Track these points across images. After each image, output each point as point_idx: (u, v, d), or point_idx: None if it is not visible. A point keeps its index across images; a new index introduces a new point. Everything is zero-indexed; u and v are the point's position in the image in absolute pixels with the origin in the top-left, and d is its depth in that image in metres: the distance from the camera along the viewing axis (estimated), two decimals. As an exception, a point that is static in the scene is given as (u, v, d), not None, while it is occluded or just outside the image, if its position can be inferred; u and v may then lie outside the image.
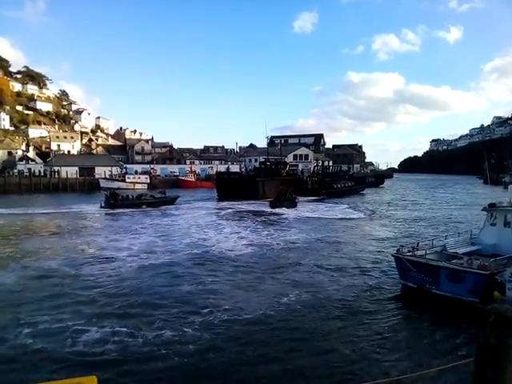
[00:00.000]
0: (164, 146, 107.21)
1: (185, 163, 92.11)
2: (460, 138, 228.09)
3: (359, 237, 22.43)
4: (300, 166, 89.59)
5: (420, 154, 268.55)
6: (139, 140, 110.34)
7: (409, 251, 12.61)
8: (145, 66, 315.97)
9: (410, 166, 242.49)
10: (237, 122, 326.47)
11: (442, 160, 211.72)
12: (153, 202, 39.48)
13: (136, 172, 78.88)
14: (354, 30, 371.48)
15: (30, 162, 73.21)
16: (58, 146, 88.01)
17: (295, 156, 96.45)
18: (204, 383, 7.34)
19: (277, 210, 35.38)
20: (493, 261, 10.89)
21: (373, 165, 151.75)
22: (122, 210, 34.98)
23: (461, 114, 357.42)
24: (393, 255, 12.94)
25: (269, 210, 36.07)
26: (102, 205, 36.68)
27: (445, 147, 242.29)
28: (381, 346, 8.62)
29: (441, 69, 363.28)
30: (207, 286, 12.98)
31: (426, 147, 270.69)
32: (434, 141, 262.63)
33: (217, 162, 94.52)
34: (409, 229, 25.31)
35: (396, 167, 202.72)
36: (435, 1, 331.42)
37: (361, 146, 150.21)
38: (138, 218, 30.78)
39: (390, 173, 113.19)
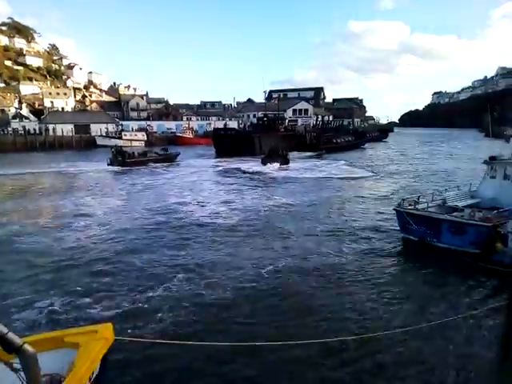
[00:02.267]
0: (159, 101, 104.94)
1: (181, 119, 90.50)
2: (462, 90, 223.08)
3: (356, 195, 21.54)
4: (299, 121, 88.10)
5: (421, 108, 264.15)
6: (134, 96, 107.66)
7: (410, 205, 12.55)
8: (137, 16, 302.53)
9: (411, 119, 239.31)
10: (234, 76, 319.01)
11: (443, 113, 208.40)
12: (158, 158, 39.69)
13: (132, 129, 77.70)
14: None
15: (23, 119, 71.81)
16: (52, 102, 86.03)
17: (294, 111, 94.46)
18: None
19: (268, 168, 34.89)
20: (495, 213, 10.87)
21: (373, 119, 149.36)
22: (130, 168, 35.11)
23: (466, 65, 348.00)
24: (394, 209, 12.92)
25: (261, 167, 35.38)
26: (109, 162, 36.36)
27: (446, 100, 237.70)
28: (386, 299, 8.66)
29: (448, 17, 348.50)
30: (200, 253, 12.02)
31: (428, 100, 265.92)
32: (435, 93, 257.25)
33: (214, 118, 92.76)
34: (409, 184, 25.00)
35: (397, 121, 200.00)
36: None
37: (361, 100, 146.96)
38: (149, 176, 31.24)
39: (390, 127, 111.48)
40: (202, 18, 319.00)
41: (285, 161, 37.40)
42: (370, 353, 6.57)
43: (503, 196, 12.72)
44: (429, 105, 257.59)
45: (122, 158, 36.55)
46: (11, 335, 2.73)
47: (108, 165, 36.08)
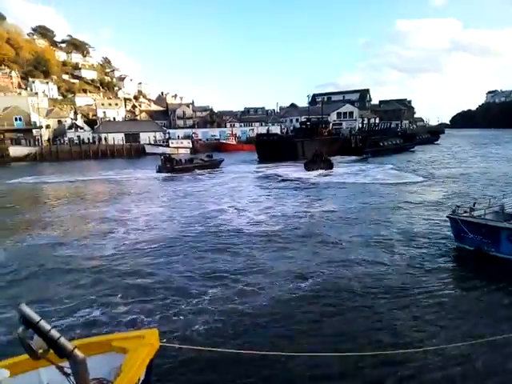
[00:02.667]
0: (204, 109, 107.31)
1: (225, 126, 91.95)
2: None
3: (405, 201, 20.23)
4: (344, 125, 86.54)
5: (474, 108, 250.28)
6: (180, 104, 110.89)
7: (465, 212, 11.71)
8: (183, 29, 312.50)
9: (463, 120, 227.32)
10: (278, 81, 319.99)
11: (499, 113, 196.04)
12: (204, 165, 40.90)
13: (178, 137, 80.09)
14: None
15: (78, 129, 76.15)
16: (104, 113, 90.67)
17: (339, 114, 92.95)
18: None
19: (311, 173, 34.29)
20: None
21: (423, 121, 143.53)
22: (178, 174, 36.40)
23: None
24: (448, 217, 12.08)
25: (303, 173, 34.75)
26: (158, 169, 37.93)
27: (503, 99, 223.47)
28: (440, 312, 8.07)
29: (505, 8, 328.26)
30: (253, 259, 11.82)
31: (481, 100, 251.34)
32: (490, 92, 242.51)
33: (257, 124, 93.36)
34: (462, 189, 23.44)
35: (448, 122, 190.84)
36: None
37: (410, 101, 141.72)
38: (193, 182, 31.94)
39: (440, 129, 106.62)
40: (254, 37, 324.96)
41: (329, 165, 36.79)
42: (422, 367, 6.16)
43: None
44: (482, 104, 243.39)
45: (171, 165, 37.87)
46: (63, 340, 2.78)
47: (157, 172, 37.41)
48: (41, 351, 2.78)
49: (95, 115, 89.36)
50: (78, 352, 2.86)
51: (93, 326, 7.68)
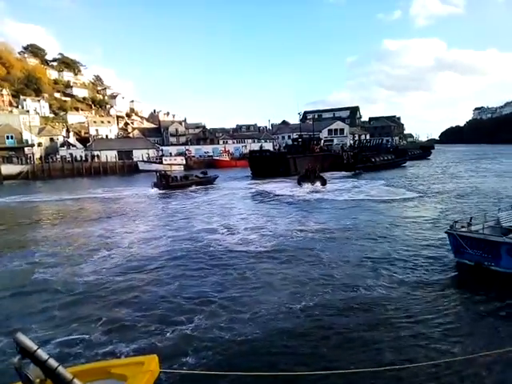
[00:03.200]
0: (197, 126, 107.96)
1: (218, 143, 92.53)
2: (505, 104, 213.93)
3: (400, 217, 19.98)
4: (335, 141, 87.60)
5: (462, 124, 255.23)
6: (173, 122, 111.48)
7: (463, 227, 11.81)
8: (175, 47, 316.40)
9: (452, 136, 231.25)
10: (269, 99, 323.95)
11: (486, 129, 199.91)
12: (199, 181, 41.04)
13: (171, 154, 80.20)
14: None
15: (71, 147, 75.96)
16: (97, 130, 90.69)
17: (330, 131, 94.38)
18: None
19: (304, 189, 34.11)
20: None
21: (412, 137, 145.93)
22: (174, 191, 36.27)
23: (508, 78, 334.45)
24: (446, 232, 12.13)
25: (295, 189, 34.63)
26: (153, 185, 38.00)
27: (489, 115, 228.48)
28: (442, 329, 8.07)
29: (487, 30, 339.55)
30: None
31: (469, 116, 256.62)
32: (477, 109, 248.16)
33: (250, 141, 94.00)
34: (456, 205, 23.57)
35: (437, 138, 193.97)
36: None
37: (399, 118, 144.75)
38: (186, 199, 31.58)
39: (430, 144, 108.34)
40: (244, 55, 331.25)
41: (322, 181, 36.99)
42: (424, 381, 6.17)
43: None
44: (470, 121, 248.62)
45: (166, 182, 37.86)
46: (62, 370, 2.73)
47: (152, 188, 37.40)
48: (38, 381, 2.73)
49: (87, 133, 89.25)
50: (77, 381, 2.80)
51: (68, 357, 7.26)
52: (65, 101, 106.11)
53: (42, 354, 2.74)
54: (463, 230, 11.69)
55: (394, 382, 6.25)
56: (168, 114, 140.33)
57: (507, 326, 8.13)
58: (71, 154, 71.54)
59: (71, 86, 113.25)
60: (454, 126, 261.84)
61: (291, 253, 13.98)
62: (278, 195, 31.47)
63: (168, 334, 8.11)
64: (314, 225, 18.80)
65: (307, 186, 35.33)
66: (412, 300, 9.48)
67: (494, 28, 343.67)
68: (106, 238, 17.42)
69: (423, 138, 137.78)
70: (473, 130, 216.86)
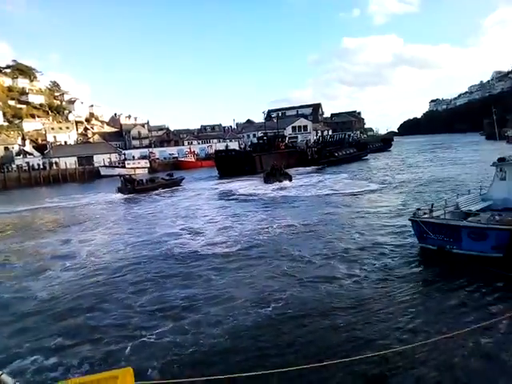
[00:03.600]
0: (160, 128, 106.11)
1: (183, 144, 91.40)
2: (459, 96, 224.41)
3: (363, 209, 20.29)
4: (299, 138, 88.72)
5: (419, 116, 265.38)
6: (135, 125, 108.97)
7: (425, 213, 12.29)
8: (133, 49, 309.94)
9: (410, 128, 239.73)
10: (233, 98, 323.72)
11: (442, 120, 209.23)
12: (165, 184, 40.20)
13: (134, 157, 78.54)
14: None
15: (27, 155, 72.64)
16: (54, 137, 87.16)
17: (294, 128, 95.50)
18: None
19: (270, 187, 34.08)
20: None
21: (372, 130, 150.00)
22: (140, 195, 35.29)
23: (460, 72, 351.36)
24: (410, 219, 12.58)
25: (261, 187, 34.46)
26: (118, 190, 36.80)
27: (444, 107, 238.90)
28: (404, 313, 8.38)
29: (439, 27, 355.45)
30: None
31: (426, 108, 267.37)
32: (433, 101, 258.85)
33: (215, 141, 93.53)
34: (417, 193, 24.38)
35: (396, 131, 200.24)
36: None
37: (360, 113, 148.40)
38: (151, 203, 30.84)
39: (390, 137, 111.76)
40: (206, 54, 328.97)
41: (287, 178, 37.39)
42: (394, 368, 6.35)
43: None
44: (427, 112, 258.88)
45: (132, 186, 36.99)
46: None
47: (117, 193, 36.38)
48: None
49: (45, 140, 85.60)
50: None
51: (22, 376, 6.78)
52: (20, 108, 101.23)
53: (7, 378, 2.58)
54: (425, 216, 12.16)
55: (364, 370, 6.37)
56: (130, 117, 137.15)
57: (469, 305, 8.48)
58: (28, 163, 68.50)
59: (27, 93, 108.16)
60: (411, 118, 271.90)
61: (258, 252, 13.77)
62: (243, 194, 31.26)
63: (133, 344, 7.78)
64: (280, 222, 18.61)
65: (274, 184, 35.47)
66: (380, 288, 9.73)
67: (445, 24, 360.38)
68: (61, 250, 16.44)
69: (383, 131, 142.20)
70: (429, 121, 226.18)
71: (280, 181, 36.29)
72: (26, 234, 21.26)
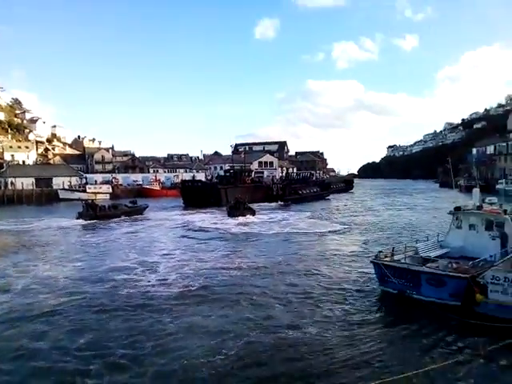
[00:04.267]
0: (125, 154, 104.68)
1: (148, 172, 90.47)
2: (414, 143, 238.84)
3: (326, 250, 20.44)
4: (265, 173, 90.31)
5: (378, 160, 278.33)
6: (99, 149, 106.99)
7: (386, 256, 12.67)
8: (102, 73, 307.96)
9: (370, 171, 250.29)
10: (201, 129, 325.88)
11: (399, 165, 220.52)
12: (128, 211, 39.14)
13: (96, 182, 76.57)
14: (315, 36, 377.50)
15: (-20, 173, 68.97)
16: (12, 156, 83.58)
17: (260, 163, 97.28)
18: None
19: (233, 221, 33.93)
20: (471, 264, 11.20)
21: (334, 171, 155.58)
22: (100, 222, 33.90)
23: (416, 120, 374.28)
24: (371, 261, 12.91)
25: (224, 221, 34.21)
26: (78, 216, 35.14)
27: (401, 153, 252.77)
28: (361, 353, 8.63)
29: (397, 76, 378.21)
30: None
31: (384, 153, 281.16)
32: (390, 147, 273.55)
33: (182, 170, 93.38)
34: (377, 235, 25.20)
35: (356, 173, 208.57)
36: (392, 9, 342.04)
37: (322, 153, 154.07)
38: (107, 230, 29.61)
39: (351, 178, 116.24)
40: (175, 86, 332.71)
41: (251, 212, 37.74)
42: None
43: (470, 245, 13.35)
44: (385, 157, 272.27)
45: (94, 212, 35.74)
46: None
47: (77, 218, 34.85)
48: None
49: (2, 158, 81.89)
50: None
51: None
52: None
53: None
54: (387, 259, 12.55)
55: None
56: (94, 140, 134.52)
57: (426, 349, 8.90)
58: (-19, 181, 65.01)
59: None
60: (370, 161, 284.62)
61: (215, 293, 13.12)
62: (205, 228, 30.50)
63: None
64: (240, 261, 18.09)
65: (237, 218, 35.44)
66: (339, 331, 9.85)
67: (403, 74, 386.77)
68: None
69: (344, 173, 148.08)
70: (388, 166, 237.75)
71: (243, 215, 36.40)
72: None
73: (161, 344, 9.21)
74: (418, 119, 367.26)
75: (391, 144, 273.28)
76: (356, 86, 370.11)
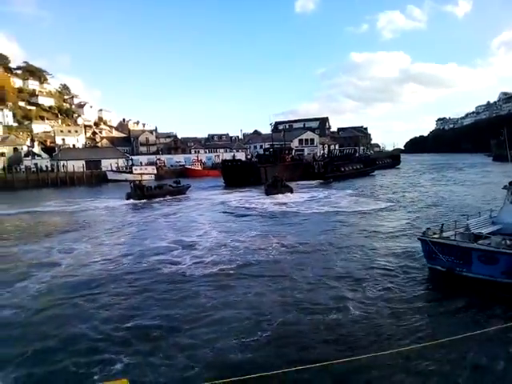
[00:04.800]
0: (168, 135, 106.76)
1: (190, 152, 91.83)
2: (466, 115, 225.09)
3: (369, 228, 19.63)
4: (306, 151, 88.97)
5: (426, 134, 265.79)
6: (143, 131, 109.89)
7: (435, 233, 12.17)
8: (144, 55, 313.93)
9: (416, 146, 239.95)
10: (241, 108, 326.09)
11: (448, 139, 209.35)
12: (173, 191, 40.62)
13: (141, 163, 78.99)
14: (359, 7, 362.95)
15: (36, 157, 73.34)
16: (63, 140, 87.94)
17: (300, 141, 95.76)
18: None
19: (271, 199, 33.67)
20: None
21: (379, 146, 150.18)
22: (149, 201, 35.69)
23: (467, 91, 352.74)
24: (419, 238, 12.46)
25: (263, 200, 33.81)
26: (127, 196, 36.97)
27: (451, 126, 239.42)
28: (404, 327, 8.61)
29: (447, 45, 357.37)
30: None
31: (432, 126, 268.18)
32: (439, 120, 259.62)
33: (222, 150, 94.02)
34: (425, 213, 24.12)
35: (402, 148, 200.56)
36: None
37: (366, 128, 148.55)
38: (152, 210, 30.74)
39: (397, 153, 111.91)
40: (216, 65, 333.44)
41: (288, 190, 37.60)
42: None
43: None
44: (433, 131, 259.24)
45: (141, 192, 37.40)
46: None
47: (127, 199, 36.59)
48: None
49: (53, 142, 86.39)
50: None
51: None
52: (30, 110, 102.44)
53: None
54: (435, 236, 12.03)
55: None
56: (138, 123, 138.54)
57: (469, 321, 8.41)
58: (36, 164, 69.12)
59: (37, 95, 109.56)
60: (418, 136, 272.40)
61: (252, 272, 12.95)
62: (242, 207, 30.41)
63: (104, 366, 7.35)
64: (278, 240, 17.67)
65: (274, 196, 35.55)
66: (386, 308, 9.63)
67: (453, 43, 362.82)
68: (44, 259, 15.86)
69: (389, 148, 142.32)
70: (436, 140, 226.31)
71: (282, 192, 36.52)
72: (21, 238, 20.86)
73: (195, 320, 9.33)
74: (470, 90, 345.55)
75: (441, 117, 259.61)
76: (402, 57, 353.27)
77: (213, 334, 8.59)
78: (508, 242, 10.70)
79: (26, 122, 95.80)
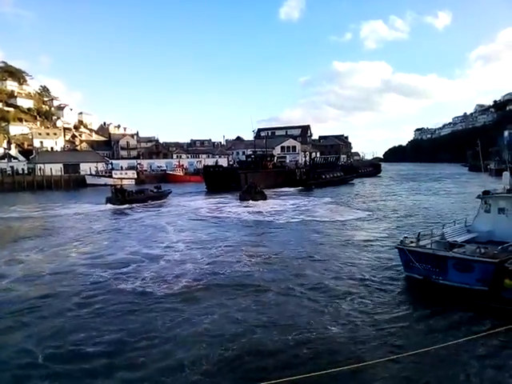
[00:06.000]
0: (150, 140, 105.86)
1: (172, 157, 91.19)
2: (443, 126, 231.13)
3: (344, 237, 19.59)
4: (288, 158, 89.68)
5: (405, 143, 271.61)
6: (124, 135, 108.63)
7: (411, 242, 12.41)
8: (127, 59, 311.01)
9: (395, 155, 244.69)
10: (223, 114, 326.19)
11: (426, 149, 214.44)
12: (154, 196, 40.40)
13: (122, 168, 78.01)
14: (342, 16, 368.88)
15: (12, 159, 71.47)
16: (41, 142, 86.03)
17: (283, 148, 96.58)
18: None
19: (244, 208, 33.28)
20: (500, 248, 10.83)
21: (359, 155, 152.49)
22: (130, 206, 35.30)
23: (445, 102, 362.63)
24: (396, 247, 12.71)
25: (237, 208, 33.35)
26: (107, 201, 36.18)
27: (429, 136, 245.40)
28: (383, 334, 8.71)
29: (428, 56, 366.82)
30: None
31: (411, 136, 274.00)
32: (418, 130, 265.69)
33: (204, 156, 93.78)
34: (403, 221, 24.56)
35: (381, 157, 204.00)
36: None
37: (347, 137, 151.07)
38: (150, 214, 30.68)
39: (376, 162, 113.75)
40: (199, 70, 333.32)
41: (262, 196, 38.06)
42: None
43: (498, 230, 12.88)
44: (412, 140, 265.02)
45: (123, 197, 36.77)
46: None
47: (106, 203, 35.82)
48: None
49: (31, 145, 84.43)
50: None
51: None
52: (8, 111, 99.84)
53: None
54: (412, 245, 12.26)
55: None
56: (119, 126, 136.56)
57: (445, 328, 8.78)
58: (12, 167, 67.31)
59: (15, 96, 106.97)
60: (397, 145, 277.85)
61: (219, 287, 12.26)
62: (220, 216, 29.14)
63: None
64: (249, 250, 17.27)
65: (247, 202, 36.21)
66: (361, 319, 9.63)
67: (434, 54, 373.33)
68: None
69: (369, 157, 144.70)
70: (414, 150, 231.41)
71: (254, 199, 36.94)
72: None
73: (153, 344, 8.52)
74: (447, 101, 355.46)
75: (419, 127, 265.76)
76: (384, 67, 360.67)
77: (161, 361, 7.78)
78: (482, 250, 10.95)
79: (3, 124, 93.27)
